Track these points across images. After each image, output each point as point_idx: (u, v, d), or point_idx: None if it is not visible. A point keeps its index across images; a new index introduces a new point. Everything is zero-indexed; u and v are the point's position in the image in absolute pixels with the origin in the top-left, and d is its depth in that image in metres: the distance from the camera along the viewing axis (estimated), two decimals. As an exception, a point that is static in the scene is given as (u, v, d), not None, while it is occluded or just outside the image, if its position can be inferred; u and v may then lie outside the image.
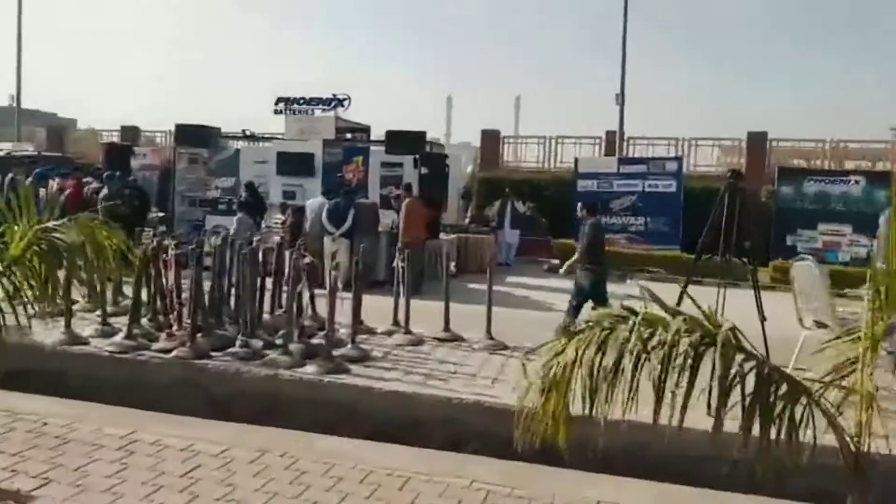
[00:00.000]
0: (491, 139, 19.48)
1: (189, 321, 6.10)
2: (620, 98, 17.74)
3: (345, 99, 15.44)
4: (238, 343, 5.99)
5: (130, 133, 20.65)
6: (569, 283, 14.13)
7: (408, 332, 6.94)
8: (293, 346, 6.05)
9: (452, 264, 7.18)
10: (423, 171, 13.08)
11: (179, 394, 5.72)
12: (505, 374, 5.93)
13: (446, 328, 7.10)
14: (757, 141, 18.38)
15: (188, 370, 5.73)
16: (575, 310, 7.98)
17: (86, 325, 6.69)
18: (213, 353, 5.99)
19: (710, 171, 19.24)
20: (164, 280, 6.44)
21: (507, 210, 15.20)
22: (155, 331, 6.36)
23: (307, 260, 6.09)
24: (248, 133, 15.25)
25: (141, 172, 17.75)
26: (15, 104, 27.07)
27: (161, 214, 16.57)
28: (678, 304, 5.61)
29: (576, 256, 8.16)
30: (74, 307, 7.38)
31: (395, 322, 7.27)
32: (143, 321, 6.57)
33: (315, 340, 6.41)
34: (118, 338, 6.10)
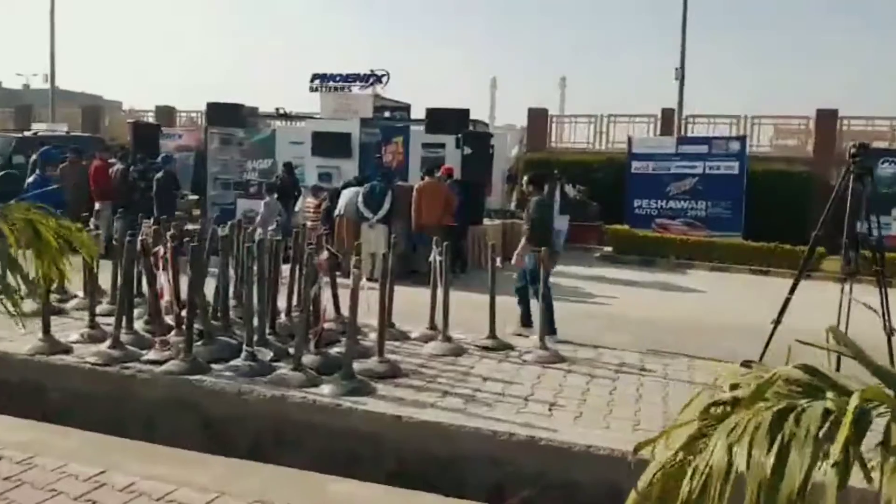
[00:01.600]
0: (538, 118, 18.05)
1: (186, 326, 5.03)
2: (680, 72, 16.03)
3: (383, 75, 14.25)
4: (243, 354, 4.91)
5: (165, 113, 19.89)
6: (623, 273, 12.86)
7: (446, 338, 5.76)
8: (307, 359, 4.94)
9: (499, 260, 5.88)
10: (466, 151, 11.86)
11: (169, 415, 4.68)
12: (563, 397, 4.70)
13: (491, 334, 5.90)
14: (826, 119, 16.53)
15: (180, 387, 4.67)
16: (523, 300, 6.82)
17: (74, 329, 5.70)
18: (215, 366, 4.93)
19: (771, 152, 17.50)
20: (161, 276, 5.39)
21: (556, 194, 13.83)
22: (151, 336, 5.32)
23: (325, 255, 4.96)
24: (281, 112, 14.21)
25: (177, 154, 17.04)
26: (58, 86, 26.61)
27: (195, 198, 15.77)
28: (786, 304, 4.37)
29: (523, 242, 6.90)
30: (68, 305, 6.47)
31: (432, 325, 6.11)
32: (138, 325, 5.55)
33: (337, 349, 5.30)
34: (104, 346, 5.09)
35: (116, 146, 14.04)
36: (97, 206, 11.11)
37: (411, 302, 6.63)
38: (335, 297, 5.89)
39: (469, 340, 5.93)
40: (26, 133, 14.72)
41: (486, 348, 5.74)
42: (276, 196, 10.42)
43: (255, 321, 5.23)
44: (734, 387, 1.97)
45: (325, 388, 4.55)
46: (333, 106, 14.37)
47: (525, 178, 7.72)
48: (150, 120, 19.46)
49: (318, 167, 13.57)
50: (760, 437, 1.69)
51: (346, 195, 10.62)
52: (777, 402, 1.82)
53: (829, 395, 1.80)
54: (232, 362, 4.91)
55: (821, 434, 1.62)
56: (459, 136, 11.94)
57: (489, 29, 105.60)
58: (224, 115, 14.12)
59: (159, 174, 11.29)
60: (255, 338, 5.22)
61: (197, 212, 15.11)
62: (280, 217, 10.25)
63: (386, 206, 10.35)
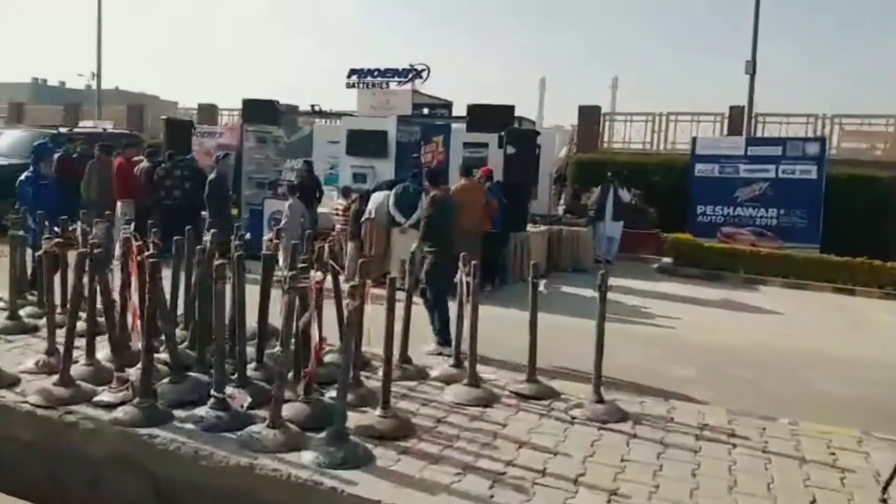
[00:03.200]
0: (589, 116, 16.52)
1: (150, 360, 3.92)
2: (751, 64, 14.17)
3: (423, 70, 13.02)
4: (210, 401, 3.78)
5: (208, 111, 19.20)
6: (686, 289, 11.33)
7: (473, 381, 4.51)
8: (291, 410, 3.78)
9: (543, 283, 4.57)
10: (510, 150, 10.57)
11: (115, 477, 3.59)
12: (627, 480, 3.39)
13: (531, 377, 4.62)
14: (920, 118, 14.52)
15: (128, 443, 3.58)
16: (433, 312, 6.08)
17: (36, 353, 4.69)
18: (179, 412, 3.82)
19: (850, 156, 15.55)
20: (133, 293, 4.31)
21: (609, 198, 12.39)
22: (116, 369, 4.24)
23: (317, 277, 3.78)
24: (316, 109, 13.18)
25: (217, 153, 16.33)
26: (117, 86, 26.49)
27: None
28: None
29: (415, 244, 6.23)
30: (42, 321, 5.48)
31: (458, 360, 4.88)
32: (101, 355, 4.48)
33: (332, 394, 4.11)
34: (50, 381, 4.04)
35: (146, 144, 13.30)
36: (118, 205, 10.29)
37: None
38: (342, 322, 4.71)
39: (502, 384, 4.65)
40: (61, 129, 14.13)
41: (523, 396, 4.46)
42: (297, 196, 9.37)
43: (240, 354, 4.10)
44: None
45: (306, 456, 3.37)
46: (371, 103, 13.27)
47: (425, 173, 7.15)
48: (194, 118, 18.80)
49: (352, 167, 12.51)
50: None
51: (376, 198, 9.50)
52: None
53: None
54: (197, 410, 3.79)
55: None
56: (502, 134, 10.65)
57: (539, 28, 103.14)
58: (259, 112, 13.18)
59: (212, 175, 10.35)
60: (236, 375, 4.11)
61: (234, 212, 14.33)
62: (303, 219, 9.20)
63: (419, 209, 9.19)
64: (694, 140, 13.87)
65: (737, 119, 14.78)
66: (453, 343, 5.04)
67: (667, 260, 12.41)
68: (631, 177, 13.91)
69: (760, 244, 12.96)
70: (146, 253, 3.87)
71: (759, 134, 14.96)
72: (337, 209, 10.12)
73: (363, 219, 9.44)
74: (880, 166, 14.43)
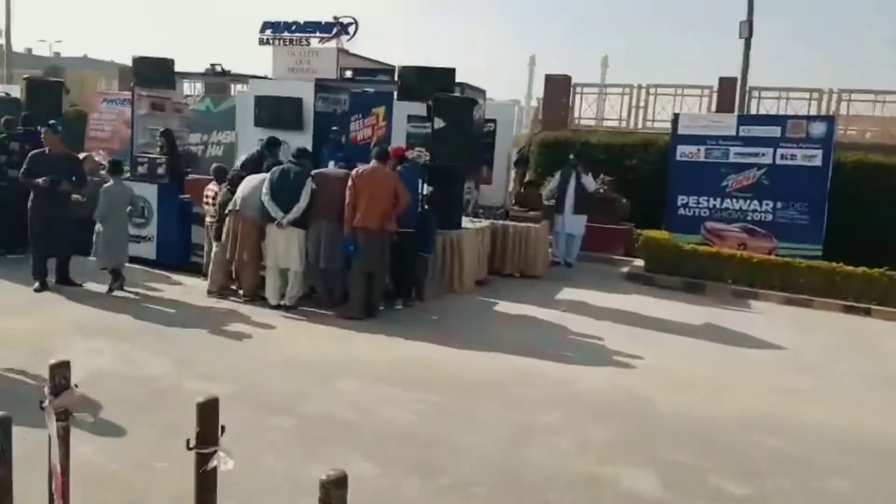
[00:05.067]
0: (557, 87, 13.65)
1: None
2: (747, 27, 11.13)
3: (350, 24, 10.23)
4: None
5: (128, 73, 16.14)
6: (660, 304, 8.56)
7: None
8: None
9: (222, 456, 1.80)
10: (438, 123, 7.84)
11: None
12: None
13: None
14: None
15: None
16: None
17: None
18: None
19: (860, 139, 12.83)
20: None
21: (571, 186, 9.66)
22: None
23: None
24: (219, 69, 10.34)
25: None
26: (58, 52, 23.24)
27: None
28: None
29: None
30: None
31: None
32: None
33: None
34: None
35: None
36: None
37: (331, 365, 2.72)
38: None
39: None
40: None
41: None
42: (122, 177, 6.59)
43: None
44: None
45: None
46: (289, 64, 10.49)
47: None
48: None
49: (259, 141, 9.75)
50: None
51: (248, 183, 6.76)
52: None
53: None
54: None
55: None
56: (429, 103, 7.92)
57: (529, 5, 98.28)
58: (153, 72, 10.33)
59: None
60: None
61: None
62: (131, 209, 6.48)
63: (302, 200, 6.50)
64: (676, 117, 11.07)
65: (728, 93, 11.98)
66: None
67: (638, 263, 9.74)
68: (604, 160, 11.20)
69: (751, 243, 10.31)
70: None
71: (753, 111, 12.17)
72: (207, 197, 7.36)
73: (226, 211, 6.73)
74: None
